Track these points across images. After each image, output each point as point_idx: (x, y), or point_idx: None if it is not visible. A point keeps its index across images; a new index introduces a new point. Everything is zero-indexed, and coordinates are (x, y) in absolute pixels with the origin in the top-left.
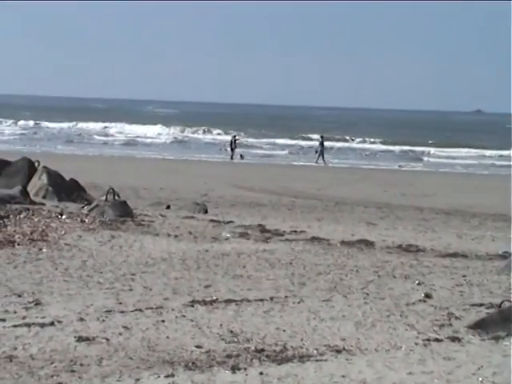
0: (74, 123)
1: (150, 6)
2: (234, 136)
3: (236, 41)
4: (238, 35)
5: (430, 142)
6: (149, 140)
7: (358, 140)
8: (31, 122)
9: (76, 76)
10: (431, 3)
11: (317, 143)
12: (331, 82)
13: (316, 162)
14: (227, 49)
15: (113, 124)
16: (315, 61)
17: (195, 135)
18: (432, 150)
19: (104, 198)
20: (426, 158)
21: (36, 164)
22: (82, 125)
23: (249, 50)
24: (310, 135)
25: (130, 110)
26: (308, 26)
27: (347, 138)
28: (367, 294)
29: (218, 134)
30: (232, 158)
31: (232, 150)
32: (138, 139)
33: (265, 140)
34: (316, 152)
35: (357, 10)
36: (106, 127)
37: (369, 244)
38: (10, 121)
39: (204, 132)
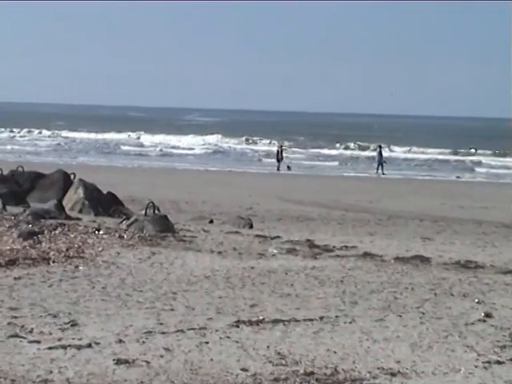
0: (111, 133)
1: (187, 8)
2: (281, 146)
3: (277, 47)
4: (278, 42)
5: (486, 151)
6: (188, 151)
7: (407, 149)
8: (66, 132)
9: (114, 84)
10: (489, 5)
11: (374, 153)
12: (372, 88)
13: (376, 173)
14: (269, 55)
15: (150, 135)
16: (357, 67)
17: (240, 145)
18: (488, 159)
19: (143, 212)
20: (482, 169)
21: (72, 176)
22: (117, 135)
23: (290, 56)
24: (360, 143)
25: (169, 119)
26: (349, 31)
27: (397, 146)
28: (423, 314)
29: (263, 143)
30: (278, 169)
31: (278, 160)
32: (177, 150)
33: (313, 150)
34: (376, 163)
35: (405, 14)
36: (139, 137)
37: (424, 260)
38: (44, 131)
39: (248, 142)
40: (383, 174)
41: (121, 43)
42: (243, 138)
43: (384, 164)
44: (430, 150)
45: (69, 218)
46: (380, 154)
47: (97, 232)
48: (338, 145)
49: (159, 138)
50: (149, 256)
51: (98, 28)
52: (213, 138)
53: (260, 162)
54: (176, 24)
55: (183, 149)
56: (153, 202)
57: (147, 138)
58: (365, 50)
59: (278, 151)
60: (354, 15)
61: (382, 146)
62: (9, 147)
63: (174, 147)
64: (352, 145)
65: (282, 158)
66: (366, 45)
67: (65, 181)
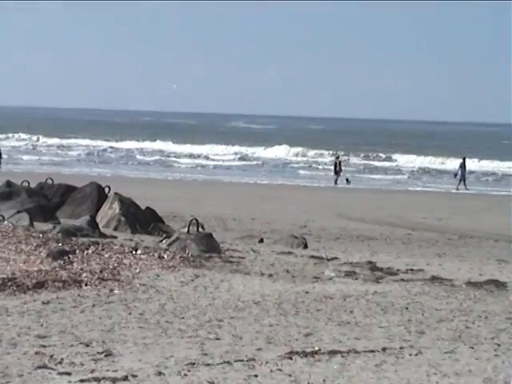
0: (146, 142)
1: (230, 12)
2: (338, 156)
3: (334, 51)
4: (337, 45)
5: None
6: (233, 162)
7: (475, 160)
8: (101, 142)
9: (154, 90)
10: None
11: (456, 166)
12: (447, 94)
13: (456, 189)
14: (323, 59)
15: (194, 145)
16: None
17: (295, 157)
18: None
19: (186, 230)
20: None
21: (106, 190)
22: (156, 144)
23: (331, 58)
24: (434, 157)
25: (213, 125)
26: (425, 33)
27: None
28: (498, 345)
29: (314, 153)
30: (336, 182)
31: (336, 173)
32: (218, 161)
33: (374, 163)
34: (455, 176)
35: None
36: (181, 146)
37: (500, 285)
38: (78, 140)
39: (301, 154)
40: (467, 189)
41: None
42: (300, 149)
43: (465, 178)
44: (501, 164)
45: (103, 235)
46: (463, 166)
47: (134, 252)
48: (398, 155)
49: (203, 149)
50: (192, 279)
51: (136, 28)
52: (277, 150)
53: (312, 173)
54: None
55: (227, 160)
56: (196, 219)
57: (192, 148)
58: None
59: (335, 163)
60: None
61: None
62: (35, 157)
63: (214, 157)
64: (422, 154)
65: (341, 170)
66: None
67: (98, 195)
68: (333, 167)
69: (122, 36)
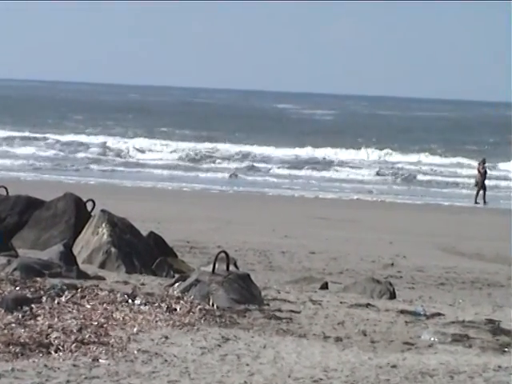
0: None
1: None
2: (484, 161)
3: None
4: None
5: None
6: (289, 170)
7: None
8: (84, 137)
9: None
10: None
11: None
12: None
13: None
14: None
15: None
16: None
17: (378, 159)
18: None
19: (209, 268)
20: None
21: (89, 206)
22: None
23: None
24: None
25: (250, 108)
26: None
27: None
28: None
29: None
30: (477, 201)
31: (482, 187)
32: (263, 163)
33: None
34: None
35: None
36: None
37: None
38: (49, 130)
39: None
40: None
41: None
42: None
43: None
44: None
45: (83, 275)
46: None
47: (130, 301)
48: None
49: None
50: (218, 343)
51: None
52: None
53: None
54: None
55: (273, 162)
56: (225, 252)
57: (221, 146)
58: None
59: (480, 172)
60: None
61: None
62: None
63: (260, 158)
64: None
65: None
66: None
67: (77, 213)
68: (476, 178)
69: None
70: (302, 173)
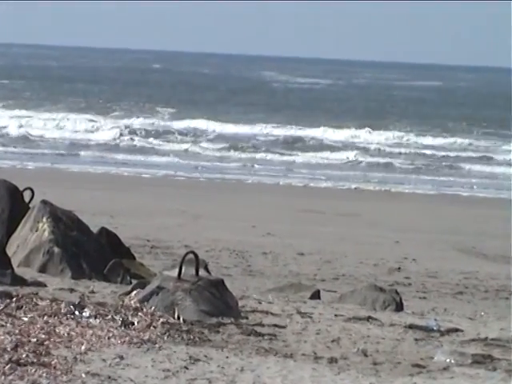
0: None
1: None
2: None
3: None
4: None
5: None
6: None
7: None
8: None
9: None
10: None
11: None
12: None
13: None
14: None
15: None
16: None
17: (385, 140)
18: None
19: (175, 272)
20: None
21: (26, 196)
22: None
23: None
24: None
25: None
26: None
27: None
28: None
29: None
30: None
31: None
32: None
33: None
34: None
35: None
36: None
37: None
38: None
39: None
40: None
41: None
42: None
43: None
44: None
45: (19, 281)
46: None
47: (77, 313)
48: None
49: (212, 125)
50: (185, 365)
51: None
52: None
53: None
54: None
55: (261, 145)
56: (194, 253)
57: (191, 122)
58: None
59: None
60: None
61: None
62: None
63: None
64: None
65: None
66: None
67: (11, 204)
68: None
69: None
70: (289, 157)
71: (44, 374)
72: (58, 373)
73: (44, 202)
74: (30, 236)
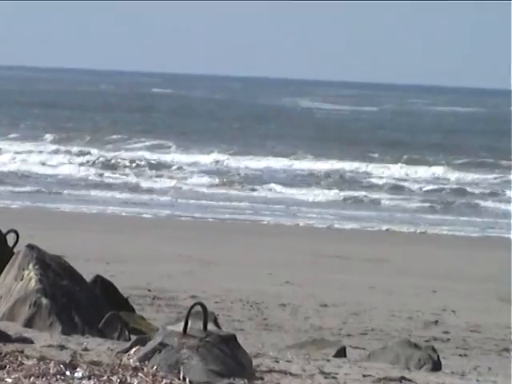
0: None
1: None
2: None
3: None
4: None
5: None
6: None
7: None
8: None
9: None
10: None
11: None
12: None
13: None
14: None
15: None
16: None
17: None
18: None
19: (180, 326)
20: None
21: (10, 239)
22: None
23: None
24: None
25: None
26: None
27: None
28: None
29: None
30: None
31: None
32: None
33: None
34: None
35: None
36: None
37: None
38: None
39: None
40: None
41: None
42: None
43: None
44: None
45: (3, 337)
46: None
47: (69, 373)
48: None
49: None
50: None
51: None
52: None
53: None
54: None
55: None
56: (202, 305)
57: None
58: None
59: None
60: None
61: None
62: None
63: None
64: None
65: None
66: None
67: None
68: None
69: None
70: (310, 193)
71: None
72: None
73: (30, 247)
74: (15, 285)
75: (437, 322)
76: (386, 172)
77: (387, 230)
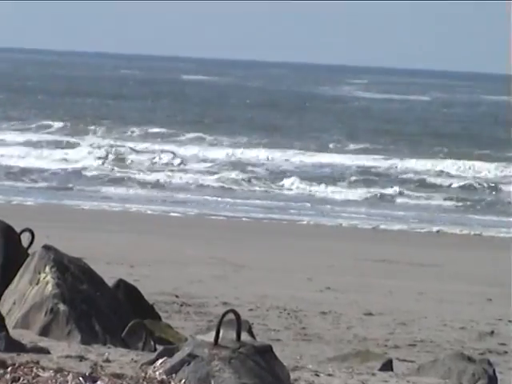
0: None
1: None
2: None
3: None
4: None
5: None
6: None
7: None
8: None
9: None
10: None
11: None
12: None
13: None
14: None
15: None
16: None
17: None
18: None
19: (211, 336)
20: None
21: (24, 239)
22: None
23: None
24: None
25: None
26: None
27: None
28: None
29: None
30: None
31: None
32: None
33: None
34: None
35: None
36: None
37: None
38: None
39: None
40: None
41: None
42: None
43: None
44: None
45: (17, 347)
46: None
47: None
48: None
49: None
50: None
51: None
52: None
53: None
54: None
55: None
56: (235, 312)
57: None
58: None
59: None
60: None
61: None
62: None
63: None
64: None
65: None
66: None
67: (6, 249)
68: None
69: None
70: (353, 192)
71: None
72: None
73: (47, 248)
74: (30, 290)
75: (492, 332)
76: (438, 167)
77: (438, 231)
